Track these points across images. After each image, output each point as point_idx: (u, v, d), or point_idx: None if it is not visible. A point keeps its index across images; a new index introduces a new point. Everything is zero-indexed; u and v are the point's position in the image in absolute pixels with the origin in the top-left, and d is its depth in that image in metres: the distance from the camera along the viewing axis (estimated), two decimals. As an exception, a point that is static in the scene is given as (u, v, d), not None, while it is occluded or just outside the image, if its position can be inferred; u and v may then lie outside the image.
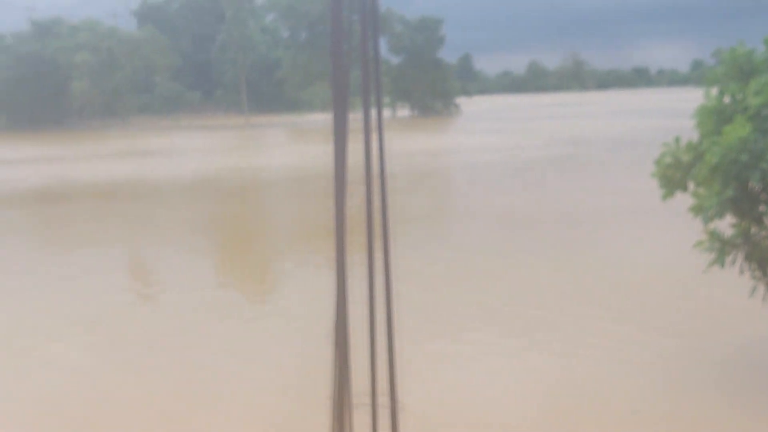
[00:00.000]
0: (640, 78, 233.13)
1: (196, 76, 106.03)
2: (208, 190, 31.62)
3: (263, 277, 16.68)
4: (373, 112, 3.73)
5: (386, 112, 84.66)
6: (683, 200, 9.49)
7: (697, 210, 8.60)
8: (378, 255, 3.79)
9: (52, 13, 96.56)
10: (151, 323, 12.69)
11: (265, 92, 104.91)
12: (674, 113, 74.70)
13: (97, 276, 16.33)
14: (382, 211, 3.81)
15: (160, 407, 9.07)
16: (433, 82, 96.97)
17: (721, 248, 8.67)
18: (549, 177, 31.33)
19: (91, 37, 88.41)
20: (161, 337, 11.84)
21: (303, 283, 15.19)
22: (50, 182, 34.83)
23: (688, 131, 9.82)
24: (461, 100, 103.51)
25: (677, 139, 9.04)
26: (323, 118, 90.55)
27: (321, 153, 44.84)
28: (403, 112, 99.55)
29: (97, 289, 15.05)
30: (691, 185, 8.93)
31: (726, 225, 9.00)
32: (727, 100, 8.77)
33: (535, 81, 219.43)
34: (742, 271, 8.88)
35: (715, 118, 8.68)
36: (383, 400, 3.93)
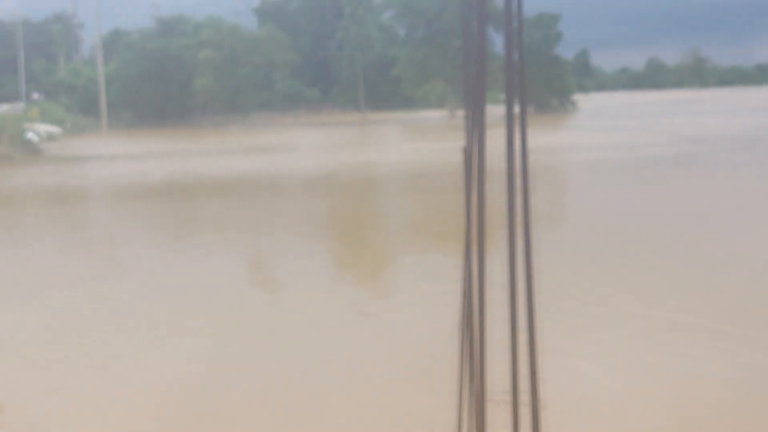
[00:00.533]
0: (763, 75, 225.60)
1: (315, 73, 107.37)
2: (329, 184, 32.16)
3: (385, 272, 16.90)
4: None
5: (502, 110, 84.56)
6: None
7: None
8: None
9: (176, 11, 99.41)
10: (272, 315, 13.07)
11: (381, 89, 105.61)
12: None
13: (220, 268, 16.86)
14: (524, 207, 3.92)
15: (284, 399, 9.34)
16: (549, 79, 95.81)
17: None
18: (673, 176, 30.81)
19: (214, 35, 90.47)
20: (284, 329, 12.14)
21: (425, 278, 15.36)
22: (175, 177, 35.88)
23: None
24: (578, 97, 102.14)
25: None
26: (438, 116, 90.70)
27: (437, 149, 45.03)
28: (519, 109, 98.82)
29: (219, 281, 15.53)
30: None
31: None
32: None
33: (653, 77, 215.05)
34: None
35: None
36: (523, 397, 3.87)
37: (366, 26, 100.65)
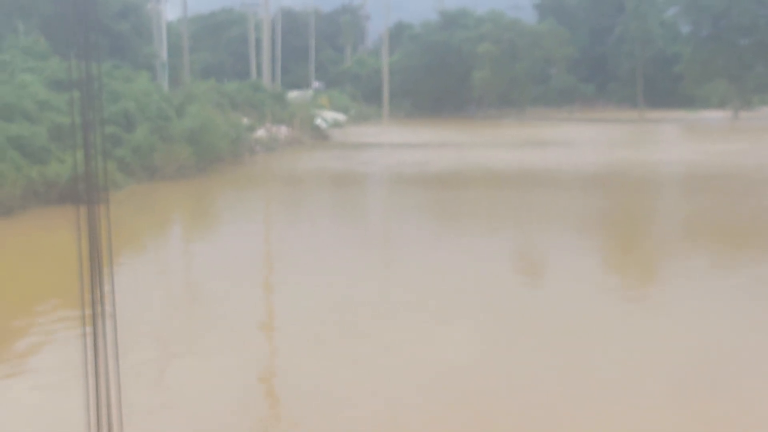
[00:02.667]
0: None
1: (591, 68, 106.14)
2: (613, 182, 32.00)
3: (679, 275, 16.82)
4: None
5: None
6: None
7: None
8: None
9: (458, 4, 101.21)
10: (545, 309, 13.32)
11: (659, 87, 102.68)
12: None
13: (488, 258, 17.45)
14: None
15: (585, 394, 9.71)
16: None
17: None
18: None
19: (494, 29, 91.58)
20: (561, 324, 12.41)
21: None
22: (452, 167, 36.82)
23: None
24: None
25: None
26: (719, 116, 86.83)
27: (720, 151, 43.62)
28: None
29: (485, 270, 16.10)
30: None
31: None
32: None
33: None
34: None
35: None
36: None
37: (648, 22, 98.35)
